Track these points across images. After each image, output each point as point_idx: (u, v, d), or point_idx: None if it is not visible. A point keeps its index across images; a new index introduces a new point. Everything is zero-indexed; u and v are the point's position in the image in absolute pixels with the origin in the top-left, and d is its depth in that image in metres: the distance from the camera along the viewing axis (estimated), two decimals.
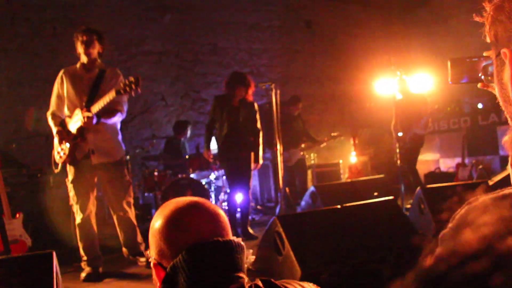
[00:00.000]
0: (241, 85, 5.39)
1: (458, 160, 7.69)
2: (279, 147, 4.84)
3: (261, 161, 5.65)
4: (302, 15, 9.94)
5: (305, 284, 1.12)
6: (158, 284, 1.11)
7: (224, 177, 6.86)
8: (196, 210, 1.12)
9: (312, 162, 8.30)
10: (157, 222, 1.13)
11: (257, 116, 5.56)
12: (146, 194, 6.90)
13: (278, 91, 4.82)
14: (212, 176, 6.93)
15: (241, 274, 1.06)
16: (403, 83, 6.47)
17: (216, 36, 8.92)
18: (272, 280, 1.07)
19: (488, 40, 0.90)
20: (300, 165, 7.51)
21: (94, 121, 3.95)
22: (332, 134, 7.72)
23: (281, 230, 2.99)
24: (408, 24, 10.66)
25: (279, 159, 4.88)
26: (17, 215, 4.54)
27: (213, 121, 5.61)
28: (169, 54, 8.46)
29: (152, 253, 1.14)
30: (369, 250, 3.16)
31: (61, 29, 7.51)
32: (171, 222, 1.10)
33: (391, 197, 3.78)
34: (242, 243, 1.11)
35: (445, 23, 9.65)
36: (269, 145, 7.38)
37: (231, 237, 1.12)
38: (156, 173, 6.65)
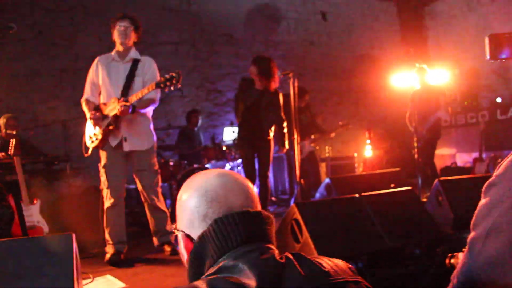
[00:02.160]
0: (263, 70, 5.29)
1: (475, 155, 7.59)
2: (296, 137, 4.80)
3: (287, 146, 5.59)
4: (318, 7, 9.87)
5: (334, 260, 1.11)
6: (185, 256, 1.10)
7: (240, 168, 6.84)
8: (225, 181, 1.11)
9: (327, 155, 8.26)
10: (185, 194, 1.12)
11: (281, 105, 5.42)
12: (161, 184, 6.94)
13: (297, 81, 4.77)
14: (227, 167, 6.93)
15: (271, 246, 1.05)
16: (423, 73, 6.38)
17: (232, 27, 8.90)
18: (302, 253, 1.05)
19: None
20: (311, 157, 7.46)
21: (130, 110, 4.00)
22: (340, 123, 7.65)
23: (299, 217, 2.98)
24: (425, 18, 10.53)
25: (296, 148, 4.84)
26: (35, 201, 4.59)
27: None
28: (185, 45, 8.47)
29: (180, 226, 1.13)
30: (387, 240, 3.13)
31: (79, 18, 7.56)
32: (201, 193, 1.09)
33: (409, 187, 3.75)
34: (271, 215, 1.10)
35: (462, 17, 9.53)
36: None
37: (260, 209, 1.10)
38: (171, 163, 6.67)
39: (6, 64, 6.99)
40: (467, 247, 0.90)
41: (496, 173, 0.86)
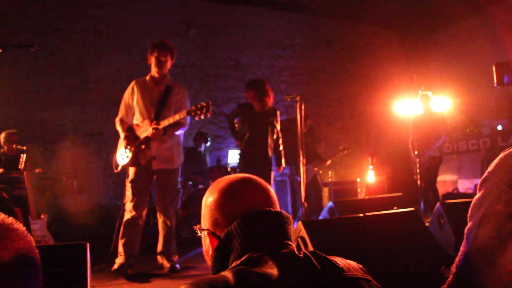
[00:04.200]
0: (261, 92, 5.46)
1: (476, 181, 7.66)
2: (301, 159, 4.89)
3: (283, 165, 5.72)
4: (323, 34, 10.09)
5: (347, 260, 1.20)
6: (210, 253, 1.20)
7: None
8: (249, 183, 1.22)
9: (330, 179, 8.34)
10: (212, 195, 1.22)
11: (278, 121, 5.58)
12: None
13: (303, 105, 4.89)
14: None
15: (290, 242, 1.14)
16: (427, 100, 6.52)
17: (239, 52, 9.10)
18: (318, 251, 1.14)
19: None
20: (314, 181, 7.54)
21: (161, 133, 4.27)
22: (340, 147, 7.77)
23: (305, 235, 3.05)
24: (427, 47, 10.74)
25: (302, 170, 4.93)
26: (42, 216, 4.65)
27: (231, 121, 5.77)
28: (192, 68, 8.64)
29: (205, 225, 1.23)
30: (390, 259, 3.20)
31: (90, 40, 7.74)
32: (227, 193, 1.19)
33: (412, 209, 3.82)
34: (290, 216, 1.20)
35: (464, 47, 9.72)
36: (288, 161, 7.46)
37: (280, 209, 1.21)
38: None
39: (19, 81, 7.15)
40: (464, 236, 1.00)
41: (488, 170, 0.96)
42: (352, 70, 10.19)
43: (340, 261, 1.16)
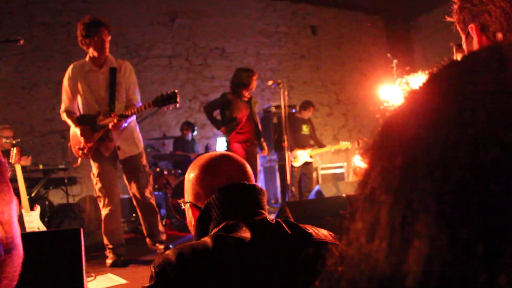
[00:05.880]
0: (250, 80, 5.54)
1: None
2: (286, 144, 5.02)
3: (266, 147, 5.80)
4: (308, 21, 10.19)
5: (320, 229, 1.32)
6: (193, 223, 1.32)
7: None
8: (227, 159, 1.35)
9: (318, 164, 8.48)
10: (193, 171, 1.35)
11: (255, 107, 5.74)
12: (156, 193, 7.09)
13: (287, 91, 5.01)
14: None
15: (263, 211, 1.27)
16: (406, 86, 6.66)
17: (225, 41, 9.18)
18: (290, 220, 1.27)
19: (459, 29, 1.11)
20: (307, 167, 7.68)
21: (123, 124, 4.08)
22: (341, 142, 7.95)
23: (290, 215, 3.18)
24: (411, 31, 10.88)
25: (287, 155, 5.06)
26: (35, 208, 4.74)
27: (212, 111, 5.87)
28: (178, 58, 8.72)
29: (188, 198, 1.35)
30: None
31: (75, 33, 7.75)
32: (207, 169, 1.32)
33: None
34: (263, 189, 1.33)
35: (447, 31, 9.85)
36: (276, 146, 7.59)
37: (255, 183, 1.33)
38: (166, 172, 6.86)
39: (4, 76, 7.18)
40: None
41: None
42: (337, 56, 10.31)
43: (311, 228, 1.29)
